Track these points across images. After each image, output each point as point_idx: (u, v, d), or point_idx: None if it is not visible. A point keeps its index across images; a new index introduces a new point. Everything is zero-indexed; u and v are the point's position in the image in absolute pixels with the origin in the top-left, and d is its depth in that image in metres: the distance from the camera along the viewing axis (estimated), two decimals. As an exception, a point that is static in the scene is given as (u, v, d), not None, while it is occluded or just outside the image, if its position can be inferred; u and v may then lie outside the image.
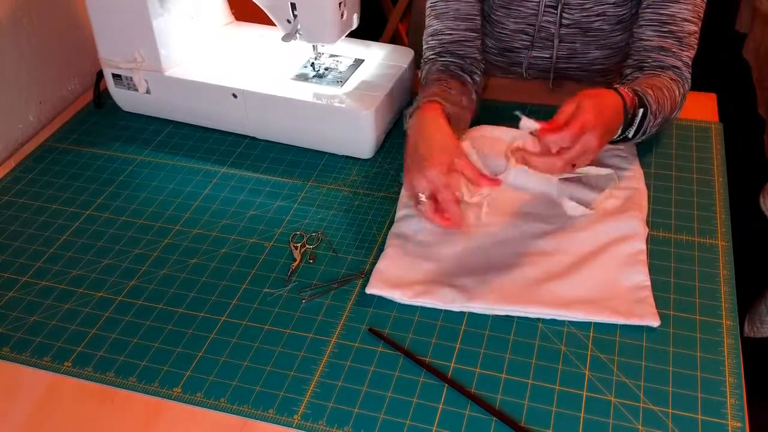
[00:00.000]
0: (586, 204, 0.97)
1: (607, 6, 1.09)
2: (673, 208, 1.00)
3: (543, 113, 1.19)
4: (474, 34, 1.12)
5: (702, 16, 1.04)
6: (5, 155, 1.22)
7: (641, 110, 0.94)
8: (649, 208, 0.99)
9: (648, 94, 0.95)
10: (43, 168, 1.16)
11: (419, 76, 1.15)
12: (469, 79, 1.09)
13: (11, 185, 1.13)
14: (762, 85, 1.98)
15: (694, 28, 1.03)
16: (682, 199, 1.01)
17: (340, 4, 1.05)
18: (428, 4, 1.12)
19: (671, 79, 1.02)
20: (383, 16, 2.53)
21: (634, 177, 1.02)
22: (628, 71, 1.06)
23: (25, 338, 0.88)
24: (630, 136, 0.96)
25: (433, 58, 1.12)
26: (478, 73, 1.12)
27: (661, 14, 1.03)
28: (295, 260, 0.96)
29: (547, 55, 1.17)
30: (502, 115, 1.19)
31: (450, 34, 1.11)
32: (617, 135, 0.93)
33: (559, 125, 0.84)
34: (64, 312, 0.91)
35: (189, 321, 0.89)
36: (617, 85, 0.94)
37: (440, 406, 0.77)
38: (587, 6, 1.10)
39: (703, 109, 1.19)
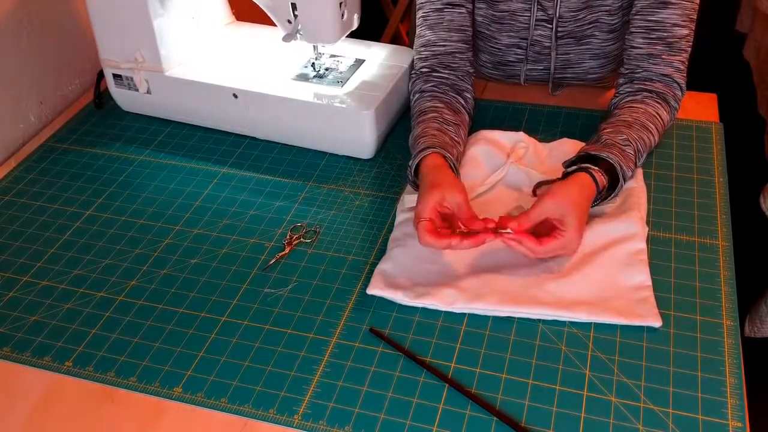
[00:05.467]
0: None
1: (600, 14, 1.09)
2: (673, 208, 1.00)
3: (544, 114, 1.19)
4: (466, 45, 1.11)
5: (694, 17, 1.03)
6: (6, 155, 1.22)
7: (616, 182, 0.95)
8: (649, 208, 0.99)
9: (627, 155, 0.95)
10: (43, 168, 1.16)
11: (409, 86, 1.14)
12: (461, 100, 1.09)
13: (12, 185, 1.13)
14: (762, 85, 1.98)
15: (684, 31, 1.03)
16: (683, 199, 1.01)
17: (340, 4, 1.05)
18: (419, 15, 1.11)
19: (658, 99, 1.03)
20: (384, 16, 2.53)
21: (633, 175, 1.02)
22: (621, 81, 1.08)
23: (26, 338, 0.88)
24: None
25: (426, 72, 1.11)
26: (470, 88, 1.11)
27: (649, 21, 1.03)
28: (283, 250, 0.96)
29: (542, 67, 1.17)
30: (502, 116, 1.20)
31: (443, 45, 1.10)
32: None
33: (526, 227, 0.86)
34: (64, 312, 0.91)
35: (190, 321, 0.89)
36: (600, 153, 0.93)
37: (441, 406, 0.77)
38: (580, 17, 1.09)
39: (703, 109, 1.19)
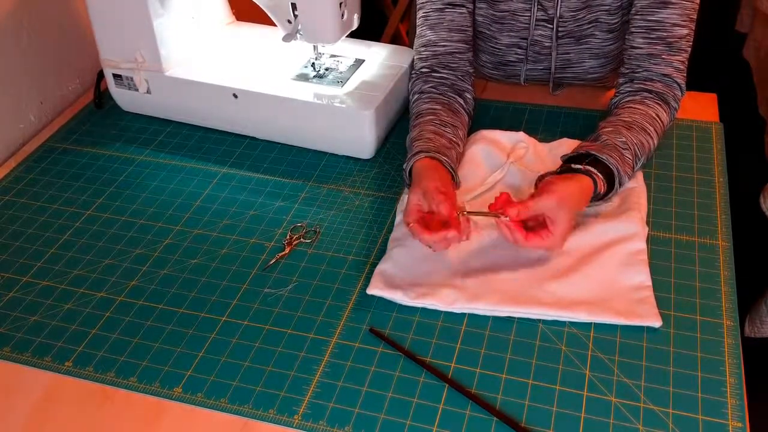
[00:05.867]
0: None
1: (599, 13, 1.09)
2: (673, 208, 1.00)
3: (544, 114, 1.19)
4: (466, 45, 1.11)
5: (694, 17, 1.03)
6: (6, 155, 1.22)
7: (611, 188, 0.95)
8: (649, 208, 0.99)
9: (626, 160, 0.95)
10: (43, 168, 1.16)
11: (409, 86, 1.14)
12: (461, 100, 1.09)
13: (12, 185, 1.13)
14: (762, 86, 1.98)
15: (684, 31, 1.03)
16: (682, 199, 1.01)
17: (340, 4, 1.05)
18: (420, 14, 1.11)
19: (658, 100, 1.03)
20: (384, 16, 2.53)
21: (633, 175, 1.03)
22: (621, 80, 1.08)
23: (26, 338, 0.88)
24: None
25: (426, 72, 1.11)
26: (470, 88, 1.11)
27: (649, 20, 1.03)
28: (283, 250, 0.97)
29: (542, 67, 1.18)
30: (502, 116, 1.20)
31: (444, 45, 1.10)
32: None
33: (523, 217, 0.87)
34: (64, 312, 0.91)
35: (190, 321, 0.89)
36: (599, 153, 0.93)
37: (441, 407, 0.77)
38: (580, 16, 1.10)
39: (703, 109, 1.19)
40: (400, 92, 1.16)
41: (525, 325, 0.85)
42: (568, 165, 0.94)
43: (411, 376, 0.81)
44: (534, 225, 0.89)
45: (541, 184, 0.93)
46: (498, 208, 0.88)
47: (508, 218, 0.87)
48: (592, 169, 0.92)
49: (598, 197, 0.94)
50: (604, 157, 0.93)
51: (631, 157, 0.96)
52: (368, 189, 1.07)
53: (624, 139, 0.96)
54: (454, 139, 1.02)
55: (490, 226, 0.96)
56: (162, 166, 1.14)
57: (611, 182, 0.94)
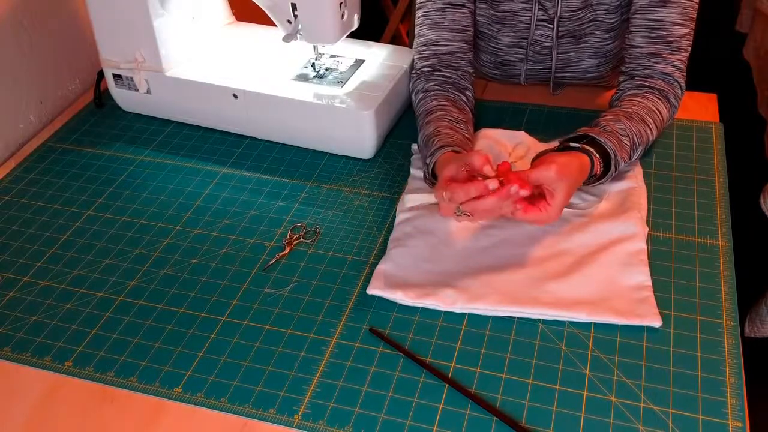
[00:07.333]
0: (580, 206, 0.98)
1: (599, 12, 1.09)
2: (673, 208, 1.00)
3: (544, 114, 1.19)
4: (467, 45, 1.11)
5: (694, 16, 1.04)
6: (6, 155, 1.22)
7: (607, 170, 0.95)
8: (649, 208, 0.99)
9: (624, 146, 0.96)
10: (43, 168, 1.16)
11: (409, 86, 1.14)
12: (464, 98, 1.09)
13: (12, 185, 1.13)
14: (762, 86, 1.98)
15: (684, 30, 1.03)
16: (682, 199, 1.01)
17: (340, 4, 1.05)
18: (420, 14, 1.11)
19: (659, 96, 1.04)
20: (384, 16, 2.53)
21: (633, 175, 1.03)
22: (622, 78, 1.08)
23: (26, 338, 0.88)
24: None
25: (427, 72, 1.11)
26: (471, 87, 1.12)
27: (649, 19, 1.03)
28: (283, 250, 0.97)
29: (542, 67, 1.18)
30: (502, 116, 1.20)
31: (445, 45, 1.10)
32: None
33: (524, 182, 0.85)
34: (64, 312, 0.91)
35: (190, 321, 0.89)
36: (598, 136, 0.94)
37: (441, 406, 0.77)
38: (579, 16, 1.10)
39: (703, 109, 1.19)
40: (400, 92, 1.16)
41: (525, 325, 0.85)
42: (566, 144, 0.94)
43: (411, 376, 0.81)
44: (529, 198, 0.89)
45: (539, 159, 0.93)
46: (498, 177, 0.86)
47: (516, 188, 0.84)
48: (589, 148, 0.92)
49: (594, 178, 0.94)
50: (602, 140, 0.93)
51: (629, 144, 0.97)
52: (368, 189, 1.07)
53: (623, 127, 0.97)
54: (467, 135, 1.03)
55: (493, 226, 0.96)
56: (162, 166, 1.14)
57: (607, 164, 0.94)
